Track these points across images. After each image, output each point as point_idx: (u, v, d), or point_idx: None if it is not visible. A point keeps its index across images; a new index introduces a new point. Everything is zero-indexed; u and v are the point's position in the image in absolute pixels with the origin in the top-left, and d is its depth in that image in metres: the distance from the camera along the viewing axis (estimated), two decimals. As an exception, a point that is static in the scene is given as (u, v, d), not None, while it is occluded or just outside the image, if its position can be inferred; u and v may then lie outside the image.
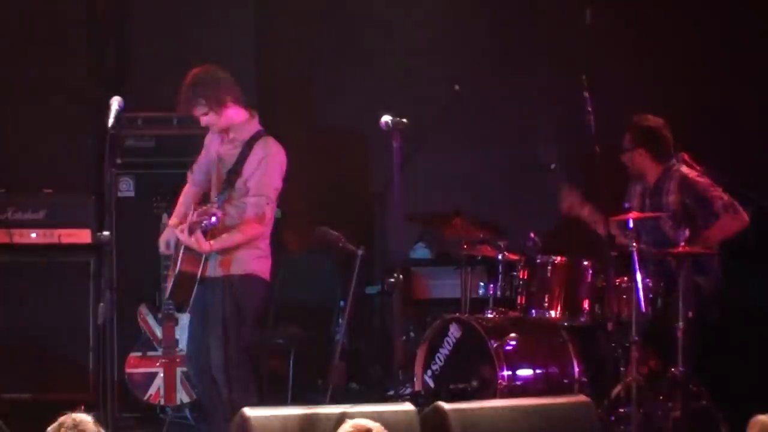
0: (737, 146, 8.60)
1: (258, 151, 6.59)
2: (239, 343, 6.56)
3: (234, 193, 6.51)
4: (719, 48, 8.77)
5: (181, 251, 6.56)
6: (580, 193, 7.69)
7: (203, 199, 6.87)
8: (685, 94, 8.70)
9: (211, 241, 6.46)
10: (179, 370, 7.88)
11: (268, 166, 6.57)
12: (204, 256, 6.52)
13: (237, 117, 6.67)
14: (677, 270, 7.13)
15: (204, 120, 6.64)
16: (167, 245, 6.76)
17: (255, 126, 6.69)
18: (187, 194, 6.91)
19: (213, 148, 6.77)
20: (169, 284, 6.75)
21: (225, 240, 6.51)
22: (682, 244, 7.08)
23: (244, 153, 6.59)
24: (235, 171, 6.58)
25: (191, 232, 6.42)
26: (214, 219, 6.32)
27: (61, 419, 4.26)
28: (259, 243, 6.63)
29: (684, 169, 7.58)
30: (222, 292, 6.56)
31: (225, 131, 6.70)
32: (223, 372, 6.54)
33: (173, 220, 6.79)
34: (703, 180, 7.51)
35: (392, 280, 6.62)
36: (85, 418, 4.27)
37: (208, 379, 6.69)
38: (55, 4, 8.72)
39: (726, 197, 7.44)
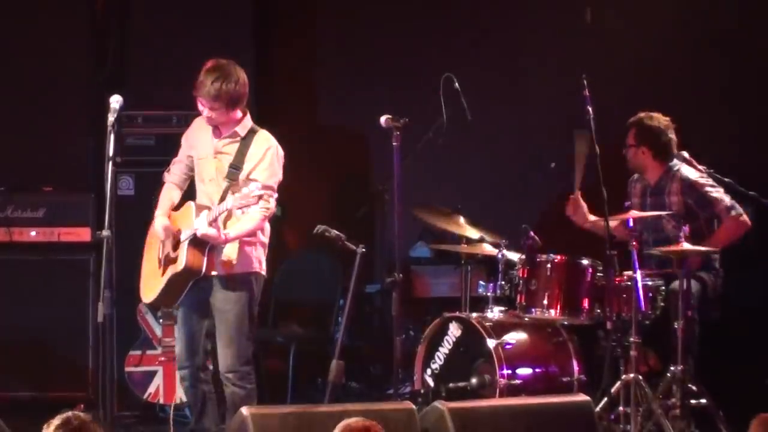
0: (737, 146, 8.60)
1: (258, 144, 6.60)
2: (249, 340, 6.61)
3: (236, 188, 6.51)
4: (719, 47, 8.77)
5: (186, 246, 6.52)
6: (585, 201, 7.66)
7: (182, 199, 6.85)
8: (685, 94, 8.71)
9: (227, 232, 6.45)
10: (178, 369, 7.87)
11: (270, 159, 6.58)
12: (206, 253, 6.52)
13: (237, 115, 6.68)
14: (677, 268, 7.13)
15: (210, 113, 6.59)
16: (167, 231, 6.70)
17: (249, 121, 6.70)
18: (170, 194, 6.81)
19: (202, 144, 6.74)
20: (149, 284, 6.72)
21: (238, 230, 6.48)
22: (682, 241, 7.07)
23: (243, 147, 6.59)
24: (236, 165, 6.57)
25: (213, 221, 6.40)
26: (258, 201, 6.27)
27: (63, 419, 4.26)
28: (260, 237, 6.64)
29: (685, 170, 7.57)
30: (228, 290, 6.57)
31: (221, 127, 6.67)
32: (235, 370, 6.57)
33: (161, 213, 6.72)
34: (704, 181, 7.51)
35: (392, 278, 6.64)
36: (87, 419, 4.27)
37: (200, 378, 6.73)
38: (55, 3, 8.71)
39: (727, 199, 7.44)
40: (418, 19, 9.11)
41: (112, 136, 6.13)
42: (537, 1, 9.10)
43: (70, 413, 4.26)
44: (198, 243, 6.50)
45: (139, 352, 7.95)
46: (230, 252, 6.55)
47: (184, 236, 6.54)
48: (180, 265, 6.51)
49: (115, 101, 6.23)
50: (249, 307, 6.60)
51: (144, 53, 8.82)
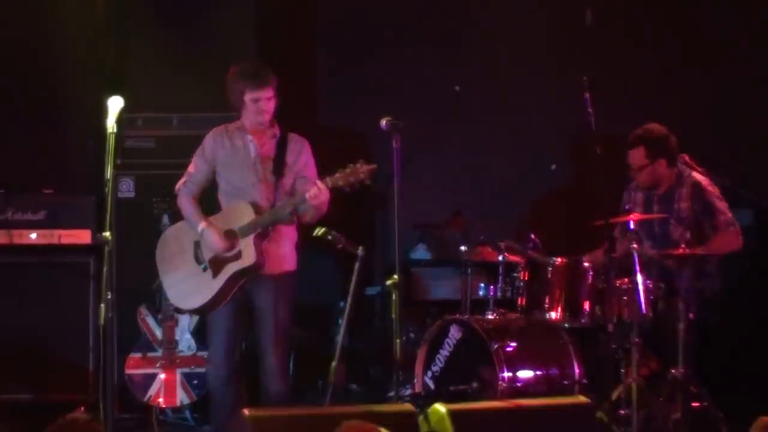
0: (737, 147, 8.60)
1: (295, 142, 6.85)
2: (288, 340, 6.78)
3: (284, 183, 6.71)
4: (719, 48, 8.77)
5: (251, 242, 6.58)
6: (585, 203, 7.61)
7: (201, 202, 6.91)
8: (685, 95, 8.71)
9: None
10: (179, 371, 7.87)
11: (310, 155, 6.85)
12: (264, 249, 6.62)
13: None
14: (678, 272, 7.12)
15: (268, 104, 6.75)
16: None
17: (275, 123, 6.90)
18: (195, 202, 6.85)
19: (234, 154, 6.79)
20: (190, 290, 6.73)
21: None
22: (682, 246, 7.07)
23: (281, 146, 6.79)
24: (282, 163, 6.75)
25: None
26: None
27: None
28: (296, 238, 6.82)
29: (696, 175, 7.52)
30: (275, 291, 6.68)
31: (263, 127, 6.80)
32: (281, 369, 6.69)
33: (201, 218, 6.74)
34: (713, 190, 7.47)
35: (392, 281, 6.62)
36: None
37: (233, 380, 6.77)
38: (55, 4, 8.71)
39: (730, 215, 7.42)
40: (420, 21, 9.11)
41: (112, 139, 6.13)
42: (537, 2, 9.09)
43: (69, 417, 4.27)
44: (260, 239, 6.61)
45: (139, 355, 7.93)
46: (286, 249, 6.72)
47: (243, 234, 6.60)
48: (249, 260, 6.58)
49: (116, 103, 6.23)
50: (292, 306, 6.77)
51: (144, 55, 8.81)
